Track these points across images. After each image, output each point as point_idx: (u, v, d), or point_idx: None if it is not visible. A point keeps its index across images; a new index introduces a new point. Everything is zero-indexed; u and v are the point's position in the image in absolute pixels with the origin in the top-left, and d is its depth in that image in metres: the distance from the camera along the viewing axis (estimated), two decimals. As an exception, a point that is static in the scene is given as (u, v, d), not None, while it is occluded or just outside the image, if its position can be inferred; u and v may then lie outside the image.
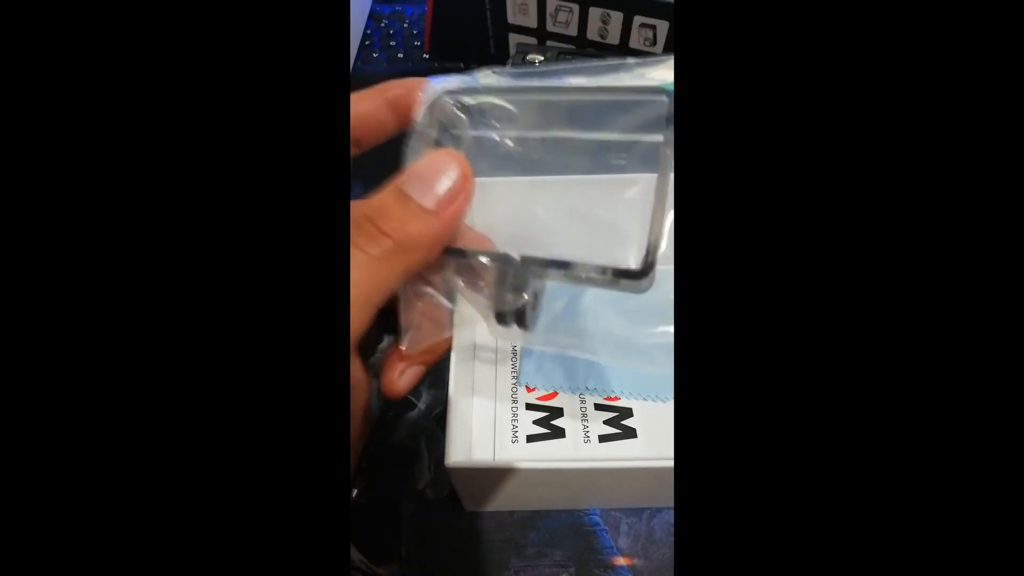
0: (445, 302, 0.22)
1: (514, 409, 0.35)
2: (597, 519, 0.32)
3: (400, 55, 0.55)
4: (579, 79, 0.25)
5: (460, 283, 0.22)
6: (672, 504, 0.31)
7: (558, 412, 0.35)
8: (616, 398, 0.35)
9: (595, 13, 0.44)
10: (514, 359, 0.37)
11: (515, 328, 0.21)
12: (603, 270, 0.20)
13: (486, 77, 0.24)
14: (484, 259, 0.21)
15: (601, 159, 0.27)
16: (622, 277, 0.19)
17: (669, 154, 0.21)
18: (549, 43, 0.47)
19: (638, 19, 0.43)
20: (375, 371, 0.23)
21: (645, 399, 0.35)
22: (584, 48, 0.45)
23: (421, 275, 0.21)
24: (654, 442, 0.34)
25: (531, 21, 0.47)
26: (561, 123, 0.27)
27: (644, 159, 0.25)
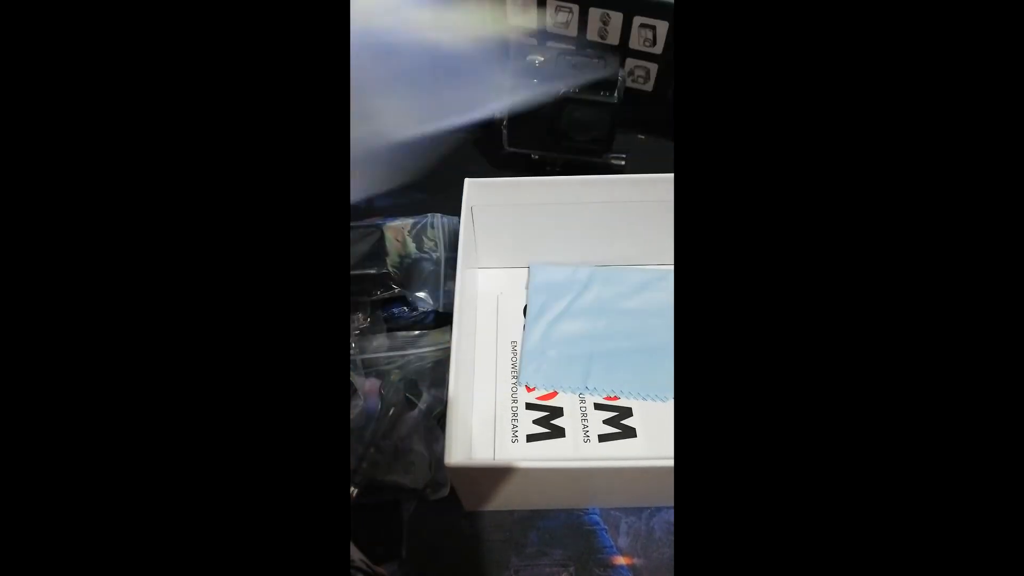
0: None
1: (514, 409, 0.35)
2: (597, 519, 0.32)
3: (400, 55, 0.55)
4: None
5: None
6: (671, 503, 0.31)
7: (558, 412, 0.35)
8: (616, 398, 0.35)
9: (595, 13, 0.44)
10: (514, 359, 0.37)
11: None
12: None
13: None
14: None
15: None
16: None
17: None
18: (549, 43, 0.47)
19: (638, 19, 0.43)
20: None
21: (645, 399, 0.35)
22: (584, 49, 0.46)
23: None
24: (654, 441, 0.34)
25: (531, 21, 0.47)
26: None
27: None
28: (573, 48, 0.46)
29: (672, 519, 0.32)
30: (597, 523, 0.32)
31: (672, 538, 0.31)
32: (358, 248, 0.40)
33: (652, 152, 0.48)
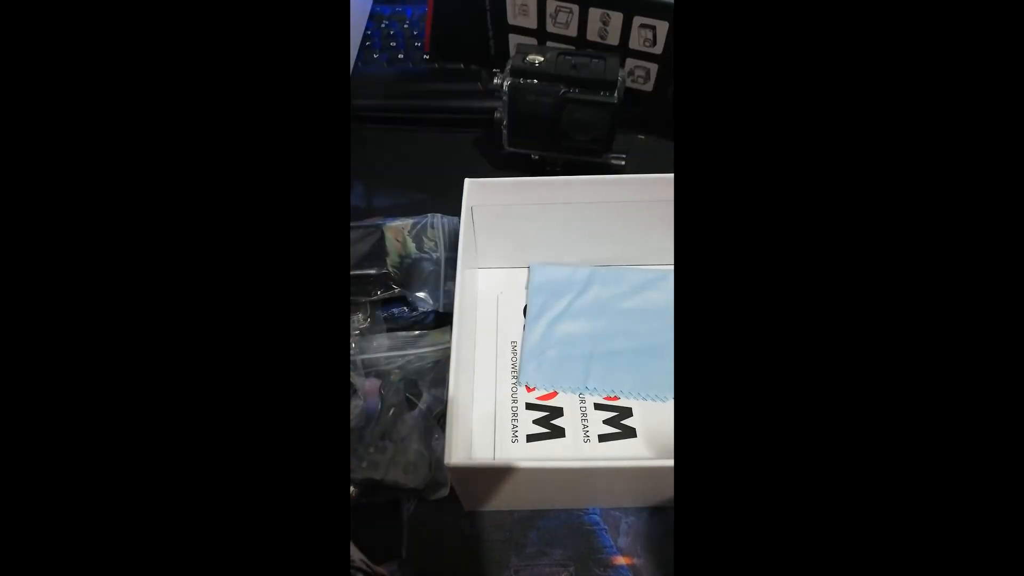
0: None
1: (514, 409, 0.35)
2: (597, 518, 0.32)
3: (400, 56, 0.55)
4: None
5: None
6: (671, 503, 0.31)
7: (558, 412, 0.35)
8: (616, 398, 0.35)
9: (595, 14, 0.44)
10: (514, 359, 0.37)
11: None
12: None
13: None
14: None
15: None
16: None
17: None
18: (549, 44, 0.47)
19: (638, 19, 0.43)
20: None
21: (645, 399, 0.35)
22: (584, 49, 0.46)
23: None
24: (654, 442, 0.34)
25: (531, 22, 0.47)
26: None
27: None
28: (573, 48, 0.46)
29: (672, 519, 0.32)
30: (597, 523, 0.32)
31: (672, 538, 0.31)
32: (358, 248, 0.40)
33: (652, 152, 0.48)
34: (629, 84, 0.47)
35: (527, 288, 0.40)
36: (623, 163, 0.45)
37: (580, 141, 0.43)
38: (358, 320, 0.38)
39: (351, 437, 0.33)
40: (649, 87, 0.47)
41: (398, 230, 0.41)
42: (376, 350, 0.37)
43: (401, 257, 0.40)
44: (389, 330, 0.38)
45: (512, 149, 0.46)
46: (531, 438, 0.34)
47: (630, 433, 0.34)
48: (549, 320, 0.38)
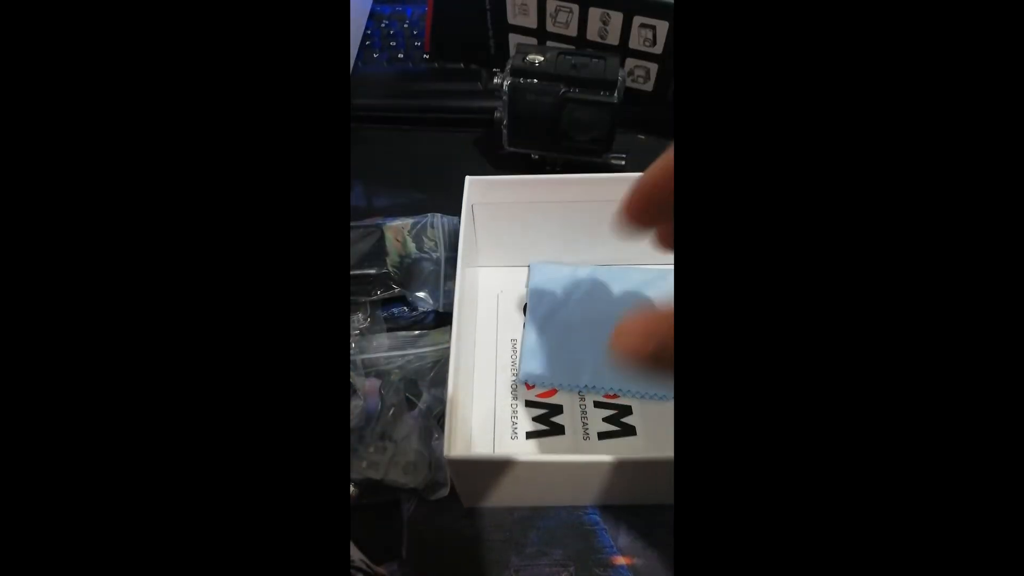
0: None
1: (513, 406, 0.35)
2: (597, 518, 0.32)
3: (400, 55, 0.55)
4: None
5: None
6: (671, 501, 0.31)
7: (557, 409, 0.35)
8: (616, 396, 0.35)
9: (595, 13, 0.44)
10: (514, 356, 0.37)
11: None
12: None
13: None
14: None
15: None
16: None
17: None
18: (549, 43, 0.47)
19: (638, 19, 0.43)
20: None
21: (644, 397, 0.35)
22: (584, 48, 0.46)
23: None
24: (653, 440, 0.34)
25: (531, 21, 0.47)
26: None
27: None
28: (573, 48, 0.46)
29: (672, 519, 0.32)
30: (597, 523, 0.32)
31: (672, 538, 0.31)
32: (358, 248, 0.40)
33: (652, 152, 0.48)
34: (629, 84, 0.47)
35: (527, 286, 0.40)
36: (623, 163, 0.45)
37: (580, 141, 0.43)
38: (358, 320, 0.38)
39: (351, 437, 0.33)
40: (649, 87, 0.47)
41: (398, 230, 0.41)
42: (376, 350, 0.37)
43: (401, 257, 0.40)
44: (389, 330, 0.38)
45: (512, 149, 0.46)
46: (530, 435, 0.34)
47: (630, 431, 0.34)
48: (549, 318, 0.38)
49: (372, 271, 0.39)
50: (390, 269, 0.39)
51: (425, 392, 0.35)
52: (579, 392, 0.36)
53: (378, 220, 0.42)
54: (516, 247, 0.40)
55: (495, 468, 0.27)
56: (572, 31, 0.46)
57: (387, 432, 0.33)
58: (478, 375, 0.36)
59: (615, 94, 0.40)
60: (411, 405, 0.35)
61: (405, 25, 0.57)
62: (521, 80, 0.41)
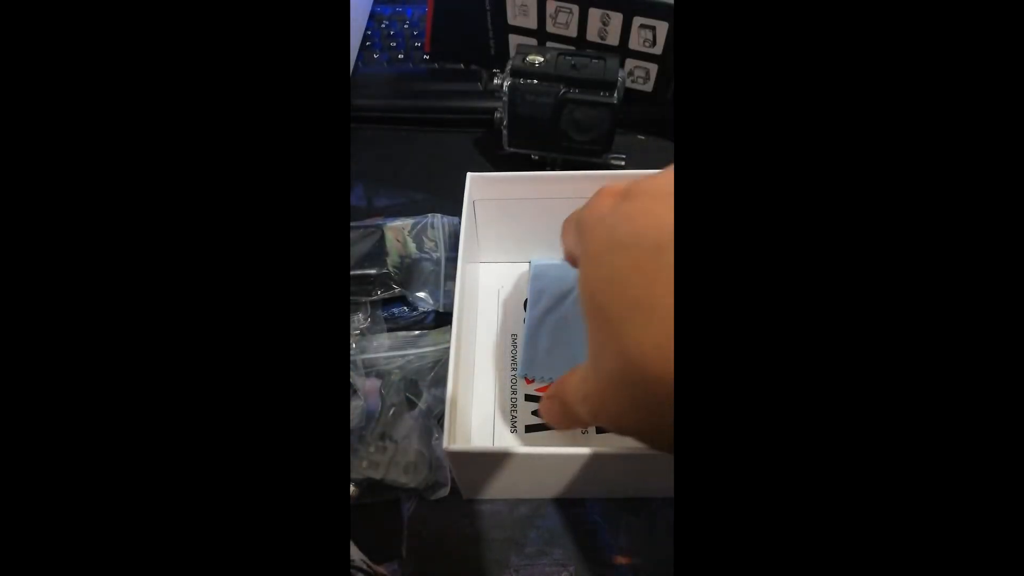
0: None
1: (513, 400, 0.35)
2: (597, 518, 0.32)
3: (401, 56, 0.55)
4: None
5: None
6: (670, 494, 0.31)
7: (557, 406, 0.35)
8: (615, 394, 0.35)
9: (595, 14, 0.44)
10: (514, 351, 0.38)
11: None
12: None
13: None
14: None
15: None
16: None
17: None
18: (549, 44, 0.47)
19: (638, 20, 0.43)
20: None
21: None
22: (584, 49, 0.46)
23: None
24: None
25: (531, 22, 0.47)
26: None
27: None
28: (573, 48, 0.46)
29: (672, 517, 0.32)
30: (597, 522, 0.32)
31: (672, 537, 0.31)
32: (358, 248, 0.40)
33: (652, 152, 0.48)
34: (629, 84, 0.47)
35: (528, 283, 0.40)
36: (623, 163, 0.45)
37: (580, 141, 0.43)
38: (358, 320, 0.38)
39: (351, 437, 0.33)
40: (649, 87, 0.47)
41: (398, 230, 0.41)
42: (376, 350, 0.37)
43: (401, 257, 0.40)
44: (389, 330, 0.38)
45: (512, 149, 0.46)
46: (530, 428, 0.34)
47: (629, 429, 0.34)
48: (549, 314, 0.38)
49: (372, 271, 0.39)
50: (390, 269, 0.39)
51: (425, 392, 0.35)
52: None
53: (378, 220, 0.42)
54: (517, 243, 0.40)
55: (494, 460, 0.27)
56: (572, 32, 0.46)
57: (387, 432, 0.33)
58: (478, 369, 0.37)
59: (615, 95, 0.40)
60: (411, 405, 0.35)
61: (405, 26, 0.57)
62: (521, 81, 0.41)
